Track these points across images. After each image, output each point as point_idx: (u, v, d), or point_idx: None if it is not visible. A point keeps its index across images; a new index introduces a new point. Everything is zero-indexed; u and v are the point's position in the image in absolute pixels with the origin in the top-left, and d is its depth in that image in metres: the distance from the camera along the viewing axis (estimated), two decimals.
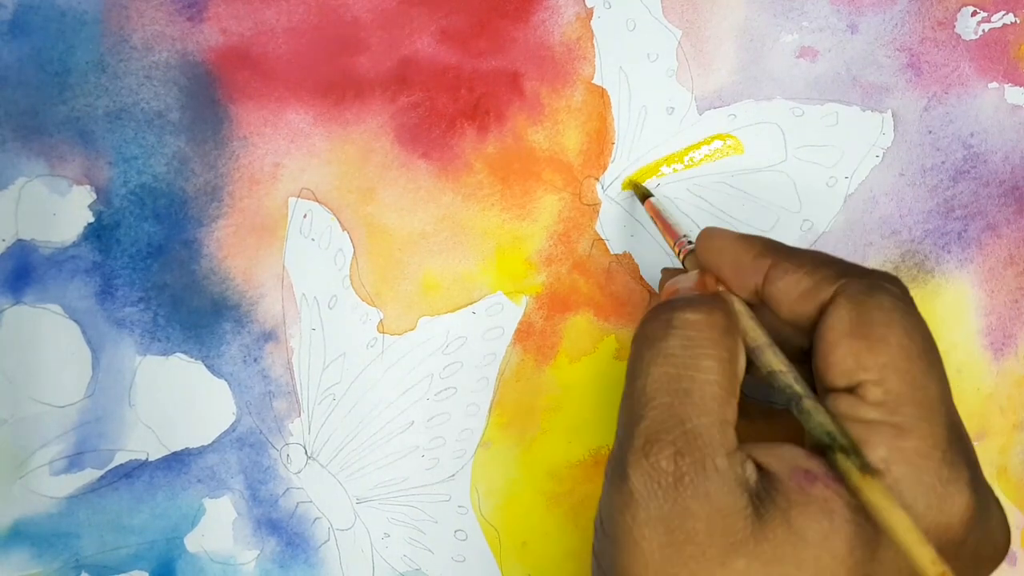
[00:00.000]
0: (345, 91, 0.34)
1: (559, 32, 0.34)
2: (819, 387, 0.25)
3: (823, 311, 0.25)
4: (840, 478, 0.23)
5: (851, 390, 0.24)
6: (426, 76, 0.34)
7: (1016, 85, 0.34)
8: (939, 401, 0.24)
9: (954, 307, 0.34)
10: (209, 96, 0.33)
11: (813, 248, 0.33)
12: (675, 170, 0.34)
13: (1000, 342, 0.34)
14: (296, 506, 0.34)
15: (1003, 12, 0.34)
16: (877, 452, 0.23)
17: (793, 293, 0.26)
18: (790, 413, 0.25)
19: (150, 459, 0.33)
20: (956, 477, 0.23)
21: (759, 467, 0.24)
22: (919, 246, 0.34)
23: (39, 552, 0.33)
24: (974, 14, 0.34)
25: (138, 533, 0.33)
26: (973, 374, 0.34)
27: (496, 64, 0.34)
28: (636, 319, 0.34)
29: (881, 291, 0.25)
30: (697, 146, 0.34)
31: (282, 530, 0.34)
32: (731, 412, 0.24)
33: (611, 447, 0.34)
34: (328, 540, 0.34)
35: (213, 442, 0.34)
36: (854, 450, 0.23)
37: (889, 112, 0.34)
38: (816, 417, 0.24)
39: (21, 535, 0.33)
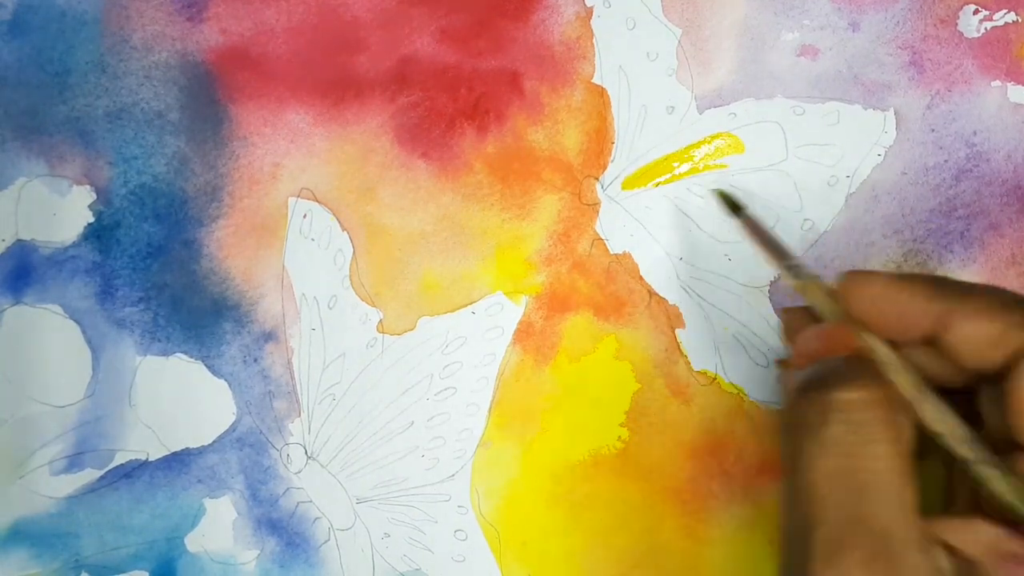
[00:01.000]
0: (345, 91, 0.34)
1: (559, 31, 0.34)
2: (1005, 440, 0.23)
3: (1016, 360, 0.22)
4: None
5: None
6: (426, 76, 0.34)
7: (1019, 84, 0.34)
8: None
9: None
10: (209, 96, 0.33)
11: (817, 244, 0.33)
12: (675, 169, 0.34)
13: None
14: (296, 506, 0.34)
15: (1005, 11, 0.34)
16: None
17: (981, 342, 0.23)
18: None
19: (150, 459, 0.33)
20: None
21: (950, 550, 0.22)
22: (921, 245, 0.34)
23: (39, 552, 0.33)
24: (976, 12, 0.34)
25: (138, 533, 0.33)
26: None
27: (496, 64, 0.34)
28: (636, 319, 0.34)
29: None
30: (697, 145, 0.34)
31: (282, 530, 0.34)
32: (911, 495, 0.22)
33: (611, 447, 0.34)
34: (328, 540, 0.34)
35: (213, 442, 0.34)
36: None
37: (891, 110, 0.34)
38: (998, 484, 0.22)
39: (21, 535, 0.33)
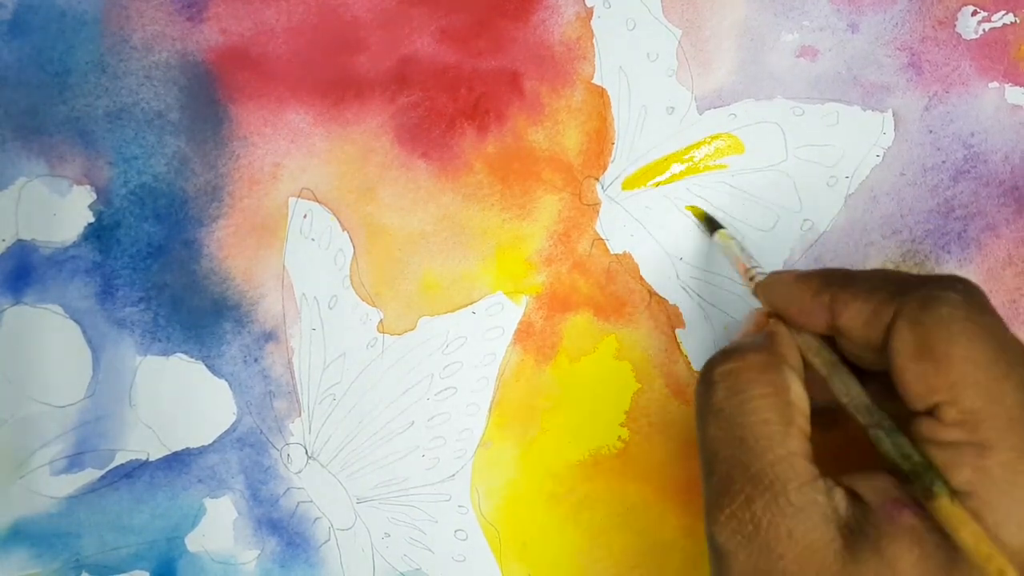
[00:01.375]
0: (345, 91, 0.34)
1: (559, 32, 0.34)
2: (905, 410, 0.25)
3: (889, 333, 0.24)
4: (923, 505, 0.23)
5: (930, 412, 0.23)
6: (426, 76, 0.34)
7: (1016, 85, 0.34)
8: (1021, 407, 0.23)
9: None
10: (209, 96, 0.33)
11: (816, 244, 0.33)
12: (675, 170, 0.34)
13: None
14: (296, 506, 0.34)
15: (1003, 12, 0.34)
16: (962, 474, 0.22)
17: (858, 323, 0.25)
18: None
19: (150, 459, 0.33)
20: None
21: (855, 496, 0.24)
22: (919, 246, 0.34)
23: (39, 552, 0.33)
24: (974, 13, 0.34)
25: (138, 533, 0.33)
26: None
27: (496, 64, 0.34)
28: (636, 319, 0.34)
29: (937, 303, 0.24)
30: (697, 146, 0.34)
31: (283, 530, 0.34)
32: (796, 443, 0.24)
33: (611, 447, 0.34)
34: (328, 540, 0.34)
35: (214, 442, 0.34)
36: (920, 472, 0.23)
37: (890, 111, 0.34)
38: (885, 444, 0.24)
39: (21, 535, 0.33)
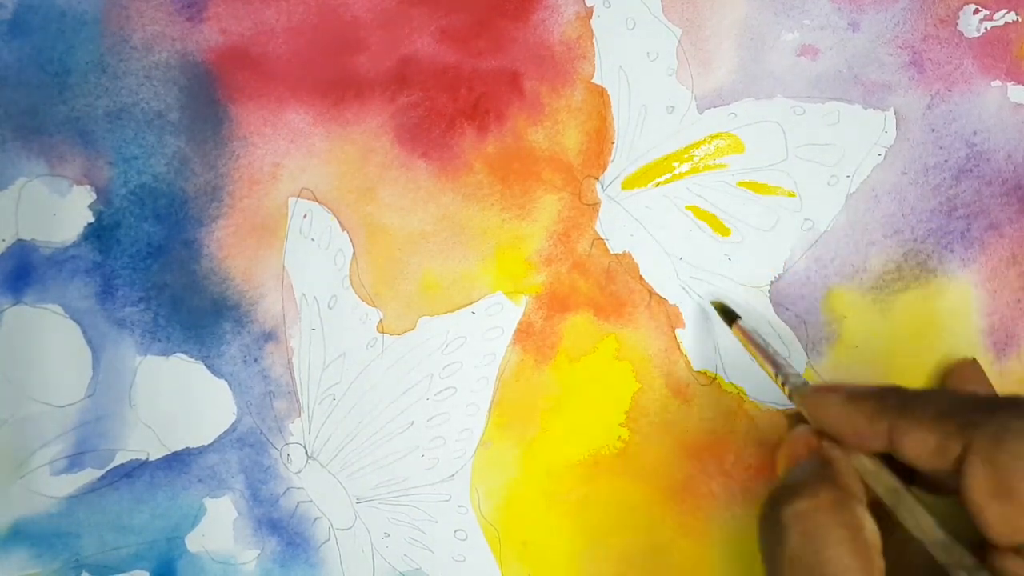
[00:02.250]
0: (345, 91, 0.34)
1: (559, 31, 0.34)
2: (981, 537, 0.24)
3: (960, 465, 0.23)
4: None
5: (1018, 551, 0.23)
6: (426, 76, 0.34)
7: (1019, 83, 0.34)
8: None
9: (956, 307, 0.34)
10: (209, 96, 0.33)
11: (817, 244, 0.33)
12: (675, 169, 0.34)
13: (1003, 342, 0.34)
14: (296, 506, 0.34)
15: (1005, 10, 0.34)
16: None
17: (922, 453, 0.24)
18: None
19: (150, 459, 0.33)
20: None
21: None
22: (921, 245, 0.34)
23: (39, 552, 0.33)
24: (976, 12, 0.34)
25: (138, 533, 0.33)
26: None
27: (496, 64, 0.34)
28: (636, 319, 0.34)
29: (1012, 437, 0.23)
30: (697, 145, 0.34)
31: (283, 530, 0.34)
32: None
33: (611, 447, 0.34)
34: (328, 540, 0.34)
35: (213, 442, 0.34)
36: None
37: (891, 110, 0.34)
38: None
39: (21, 535, 0.33)
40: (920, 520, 0.24)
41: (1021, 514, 0.22)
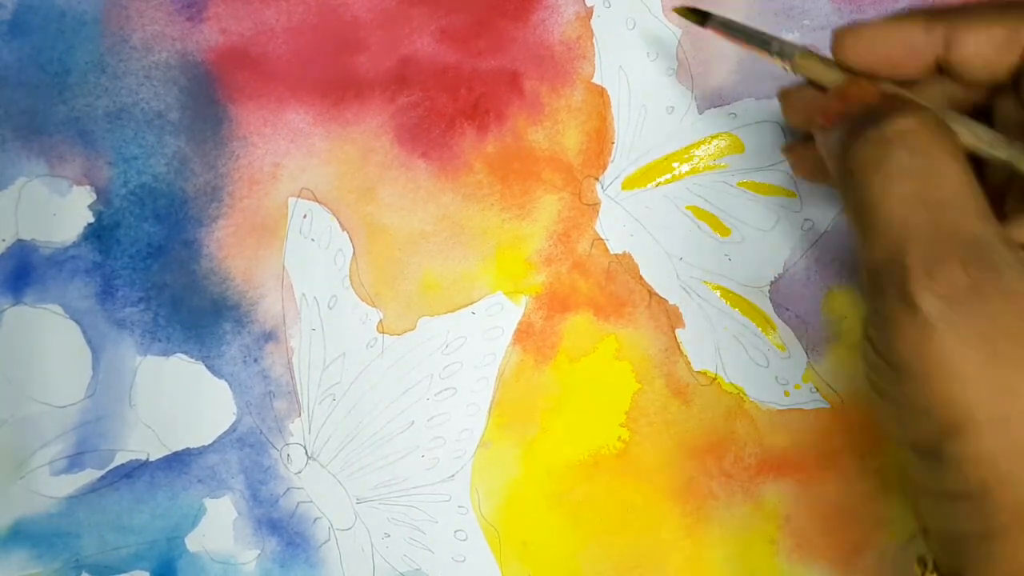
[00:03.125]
0: (345, 91, 0.34)
1: (559, 31, 0.34)
2: None
3: None
4: None
5: None
6: (426, 76, 0.34)
7: None
8: None
9: None
10: (209, 96, 0.33)
11: (817, 244, 0.33)
12: (675, 170, 0.34)
13: None
14: (296, 506, 0.34)
15: None
16: None
17: (987, 50, 0.23)
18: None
19: (150, 459, 0.33)
20: None
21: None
22: None
23: (39, 552, 0.33)
24: None
25: (138, 533, 0.33)
26: None
27: (496, 63, 0.34)
28: (636, 319, 0.34)
29: None
30: (697, 145, 0.34)
31: (283, 530, 0.34)
32: (985, 204, 0.23)
33: (611, 447, 0.34)
34: (328, 540, 0.34)
35: (213, 442, 0.34)
36: None
37: None
38: None
39: (21, 535, 0.33)
40: (975, 129, 0.24)
41: None
